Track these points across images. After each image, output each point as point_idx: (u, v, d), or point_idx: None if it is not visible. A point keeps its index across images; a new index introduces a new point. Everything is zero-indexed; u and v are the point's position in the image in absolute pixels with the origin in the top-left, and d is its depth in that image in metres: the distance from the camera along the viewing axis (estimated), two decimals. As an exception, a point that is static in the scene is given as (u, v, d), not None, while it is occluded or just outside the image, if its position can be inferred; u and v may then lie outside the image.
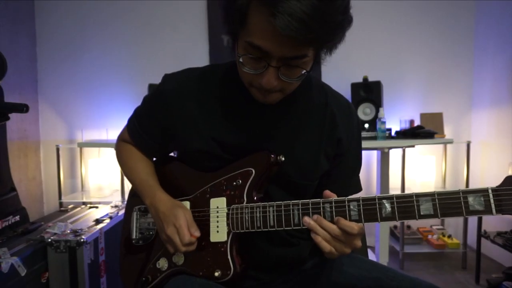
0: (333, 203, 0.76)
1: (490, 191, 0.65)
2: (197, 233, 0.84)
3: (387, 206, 0.72)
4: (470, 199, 0.67)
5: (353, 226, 0.73)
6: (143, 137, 0.99)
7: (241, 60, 0.75)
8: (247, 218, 0.83)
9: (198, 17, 3.03)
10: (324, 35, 0.67)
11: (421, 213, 0.70)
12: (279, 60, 0.72)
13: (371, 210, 0.73)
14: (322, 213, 0.76)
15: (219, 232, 0.85)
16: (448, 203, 0.68)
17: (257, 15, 0.68)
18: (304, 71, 0.75)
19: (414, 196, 0.70)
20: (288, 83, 0.76)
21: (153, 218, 0.91)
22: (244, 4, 0.69)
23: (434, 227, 2.98)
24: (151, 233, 0.98)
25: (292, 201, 0.79)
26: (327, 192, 0.78)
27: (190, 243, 0.83)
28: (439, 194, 0.69)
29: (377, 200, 0.73)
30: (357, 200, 0.74)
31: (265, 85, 0.74)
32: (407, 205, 0.71)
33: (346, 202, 0.75)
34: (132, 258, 1.00)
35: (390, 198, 0.72)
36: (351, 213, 0.74)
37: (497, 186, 0.66)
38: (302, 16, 0.63)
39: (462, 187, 2.81)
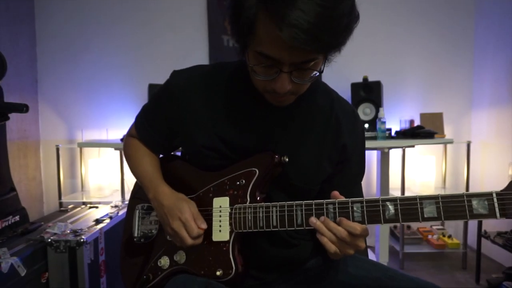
0: (337, 204, 0.76)
1: (494, 195, 0.65)
2: (204, 225, 0.85)
3: (391, 208, 0.72)
4: (474, 202, 0.66)
5: (356, 227, 0.73)
6: (149, 132, 0.99)
7: (253, 69, 0.76)
8: (249, 218, 0.83)
9: (198, 17, 3.03)
10: (331, 41, 0.67)
11: (425, 216, 0.70)
12: (291, 66, 0.72)
13: (374, 212, 0.73)
14: (325, 214, 0.77)
15: (221, 232, 0.85)
16: (452, 206, 0.68)
17: (265, 26, 0.68)
18: (316, 72, 0.75)
19: (418, 199, 0.70)
20: (302, 84, 0.77)
21: (156, 212, 0.91)
22: (251, 16, 0.69)
23: (434, 227, 2.99)
24: (153, 231, 0.98)
25: (296, 202, 0.80)
26: (335, 193, 0.78)
27: (198, 236, 0.84)
28: (443, 197, 0.68)
29: (380, 202, 0.73)
30: (361, 201, 0.74)
31: (279, 90, 0.74)
32: (410, 207, 0.71)
33: (350, 203, 0.75)
34: (133, 257, 1.00)
35: (394, 200, 0.72)
36: (354, 214, 0.75)
37: (501, 190, 0.65)
38: (308, 27, 0.63)
39: (462, 187, 2.83)
